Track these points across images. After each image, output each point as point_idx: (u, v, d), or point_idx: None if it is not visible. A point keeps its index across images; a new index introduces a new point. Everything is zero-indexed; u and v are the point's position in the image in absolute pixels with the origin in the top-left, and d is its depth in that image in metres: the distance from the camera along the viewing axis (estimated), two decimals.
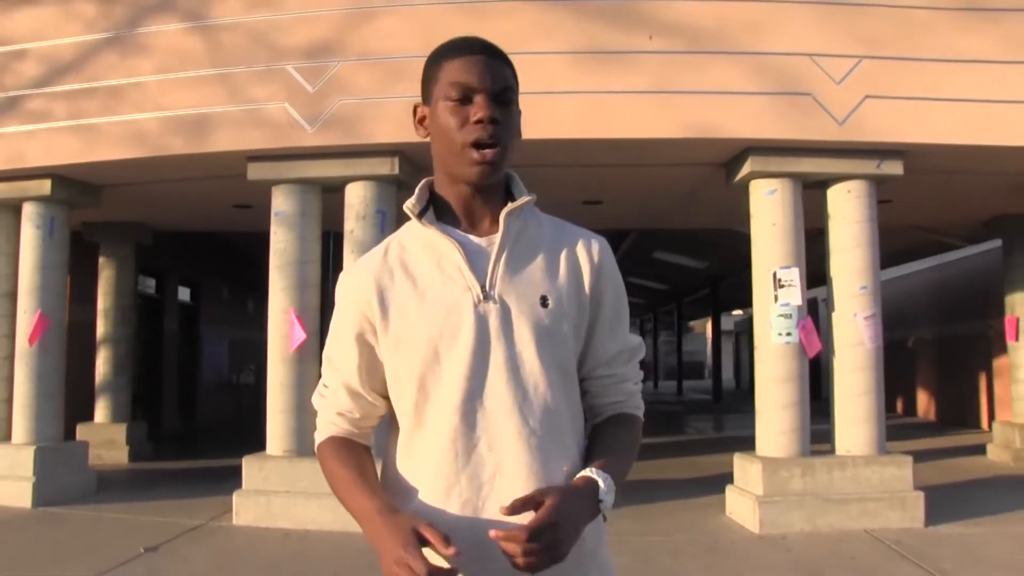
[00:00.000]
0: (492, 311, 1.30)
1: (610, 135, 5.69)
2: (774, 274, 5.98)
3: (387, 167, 6.02)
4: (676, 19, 5.74)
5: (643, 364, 1.51)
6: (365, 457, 1.37)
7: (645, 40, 5.67)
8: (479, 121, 1.28)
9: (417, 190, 1.38)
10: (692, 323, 33.64)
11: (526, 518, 1.18)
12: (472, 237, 1.35)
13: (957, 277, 13.07)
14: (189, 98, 6.08)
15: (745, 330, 24.22)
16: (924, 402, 14.66)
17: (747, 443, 6.49)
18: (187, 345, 12.94)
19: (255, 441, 6.71)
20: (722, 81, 5.67)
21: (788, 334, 5.93)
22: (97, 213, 7.82)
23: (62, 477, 6.80)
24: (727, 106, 5.70)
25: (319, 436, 1.42)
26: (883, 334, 6.13)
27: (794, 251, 6.00)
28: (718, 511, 6.32)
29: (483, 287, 1.30)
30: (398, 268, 1.34)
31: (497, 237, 1.33)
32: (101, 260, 9.33)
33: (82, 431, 8.74)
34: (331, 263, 6.79)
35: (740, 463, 6.25)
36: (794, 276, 5.94)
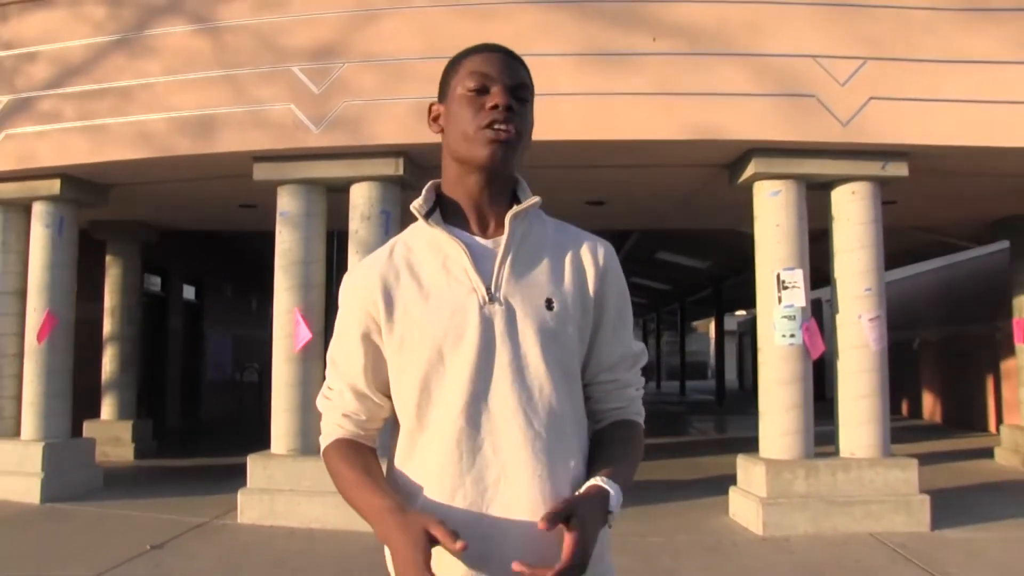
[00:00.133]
0: (498, 313, 1.29)
1: (613, 136, 5.70)
2: (778, 276, 5.97)
3: (392, 168, 6.04)
4: (679, 20, 5.74)
5: (646, 365, 1.51)
6: (371, 458, 1.37)
7: (648, 41, 5.67)
8: (495, 107, 1.30)
9: (424, 191, 1.39)
10: (695, 323, 33.53)
11: (536, 514, 1.19)
12: (478, 239, 1.35)
13: (964, 278, 13.01)
14: (196, 99, 6.12)
15: (748, 330, 24.13)
16: (930, 404, 14.59)
17: (750, 444, 6.48)
18: (191, 343, 13.00)
19: (258, 439, 6.75)
20: (725, 82, 5.67)
21: (792, 336, 5.92)
22: (104, 212, 7.87)
23: (69, 474, 6.87)
24: (730, 107, 5.70)
25: (324, 439, 1.41)
26: (888, 335, 6.12)
27: (798, 253, 5.99)
28: (721, 513, 6.31)
29: (489, 289, 1.30)
30: (404, 268, 1.34)
31: (503, 239, 1.33)
32: (108, 258, 9.40)
33: (88, 428, 8.81)
34: (335, 263, 6.81)
35: (743, 464, 6.24)
36: (798, 278, 5.93)
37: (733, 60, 5.70)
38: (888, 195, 6.35)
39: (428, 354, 1.28)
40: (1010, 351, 9.70)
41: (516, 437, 1.26)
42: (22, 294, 7.02)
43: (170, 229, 9.87)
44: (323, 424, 1.42)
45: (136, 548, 5.25)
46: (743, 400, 19.60)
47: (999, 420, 11.21)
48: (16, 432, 6.93)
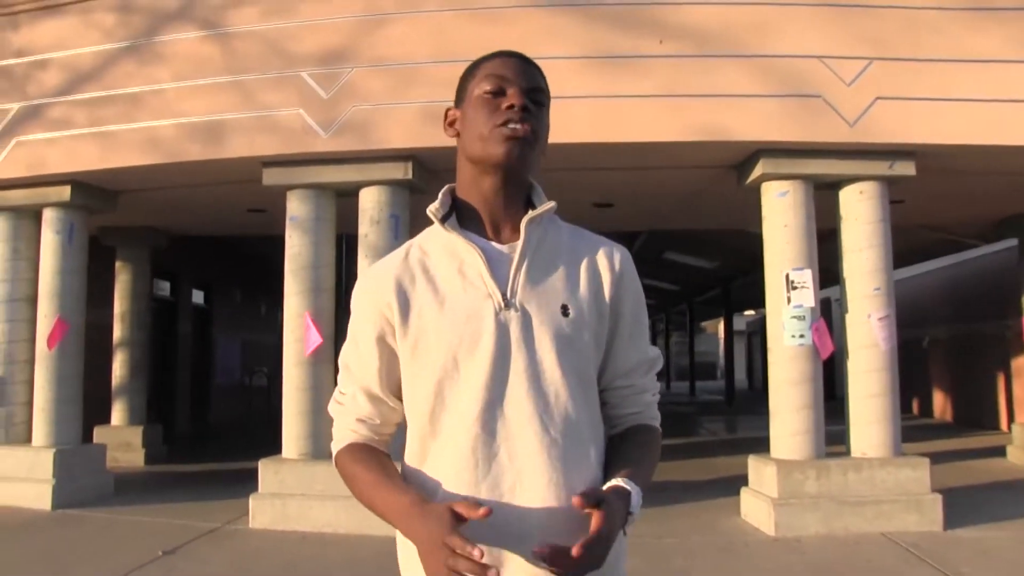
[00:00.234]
0: (513, 319, 1.29)
1: (621, 139, 5.71)
2: (787, 276, 5.97)
3: (401, 172, 6.06)
4: (685, 23, 5.75)
5: None
6: (387, 459, 1.35)
7: (654, 44, 5.68)
8: (511, 106, 1.30)
9: (440, 195, 1.38)
10: (704, 324, 33.50)
11: (551, 520, 1.21)
12: (494, 244, 1.34)
13: (972, 276, 12.97)
14: (205, 105, 6.15)
15: (758, 330, 24.09)
16: (940, 403, 14.55)
17: (761, 445, 6.48)
18: (200, 348, 13.05)
19: (268, 444, 6.76)
20: (732, 84, 5.67)
21: (801, 336, 5.92)
22: (114, 218, 7.91)
23: (80, 479, 6.88)
24: (738, 109, 5.71)
25: (337, 445, 1.40)
26: (897, 334, 6.11)
27: (806, 253, 5.99)
28: (732, 513, 6.31)
29: (504, 295, 1.30)
30: (419, 271, 1.34)
31: (518, 244, 1.33)
32: (118, 264, 9.44)
33: (99, 434, 8.83)
34: (343, 267, 6.84)
35: (755, 465, 6.24)
36: (807, 278, 5.94)
37: (739, 61, 5.71)
38: (896, 194, 6.34)
39: (443, 360, 1.28)
40: (1020, 349, 9.69)
41: (532, 444, 1.25)
42: (32, 300, 7.04)
43: (179, 234, 9.91)
44: (335, 430, 1.41)
45: (148, 554, 5.26)
46: (753, 400, 19.55)
47: (1010, 418, 11.18)
48: (27, 438, 6.95)
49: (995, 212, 8.69)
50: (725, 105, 5.71)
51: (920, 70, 5.69)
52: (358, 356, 1.36)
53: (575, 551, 1.11)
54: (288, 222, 6.33)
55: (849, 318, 6.12)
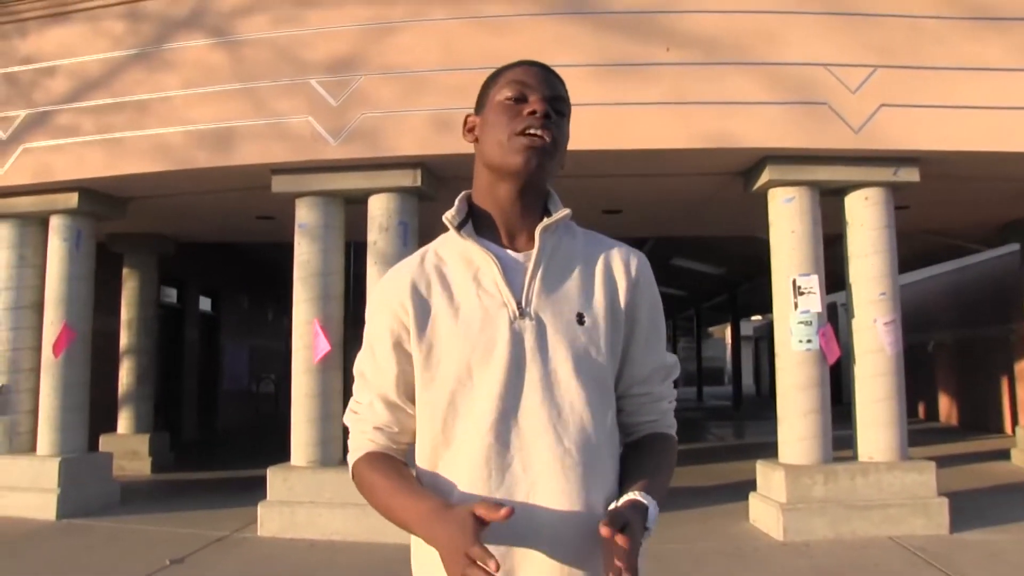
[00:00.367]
0: (528, 328, 1.27)
1: (629, 146, 5.74)
2: (794, 281, 6.01)
3: (409, 179, 6.09)
4: (692, 31, 5.79)
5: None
6: (404, 467, 1.34)
7: (662, 52, 5.72)
8: (532, 113, 1.29)
9: (457, 201, 1.37)
10: (711, 329, 33.50)
11: (565, 532, 1.20)
12: (509, 252, 1.33)
13: (976, 281, 13.01)
14: (214, 112, 6.18)
15: (765, 335, 24.08)
16: (945, 407, 14.57)
17: (769, 450, 6.50)
18: (207, 355, 13.04)
19: (276, 451, 6.77)
20: (739, 91, 5.71)
21: (809, 341, 5.95)
22: (121, 225, 7.92)
23: (86, 488, 6.83)
24: (744, 116, 5.75)
25: (354, 455, 1.37)
26: (903, 339, 6.14)
27: (813, 258, 6.03)
28: (741, 518, 6.33)
29: (519, 303, 1.29)
30: (435, 277, 1.33)
31: (533, 253, 1.31)
32: (125, 271, 9.44)
33: (105, 442, 8.80)
34: (351, 274, 6.86)
35: (763, 470, 6.26)
36: (813, 283, 5.97)
37: (746, 69, 5.75)
38: (900, 200, 6.38)
39: (457, 369, 1.27)
40: (1023, 352, 9.70)
41: (546, 454, 1.24)
42: (38, 308, 7.01)
43: (187, 241, 9.92)
44: (351, 439, 1.38)
45: (155, 563, 5.24)
46: (760, 405, 19.57)
47: (1014, 421, 11.20)
48: (32, 447, 6.89)
49: (998, 217, 8.73)
50: (732, 112, 5.75)
51: (924, 78, 5.74)
52: (374, 363, 1.35)
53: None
54: (297, 229, 6.35)
55: (855, 323, 6.15)
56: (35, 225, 7.15)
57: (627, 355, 1.36)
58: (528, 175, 1.30)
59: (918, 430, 11.42)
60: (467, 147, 5.09)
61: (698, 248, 12.50)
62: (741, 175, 6.50)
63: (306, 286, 6.29)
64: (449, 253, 1.35)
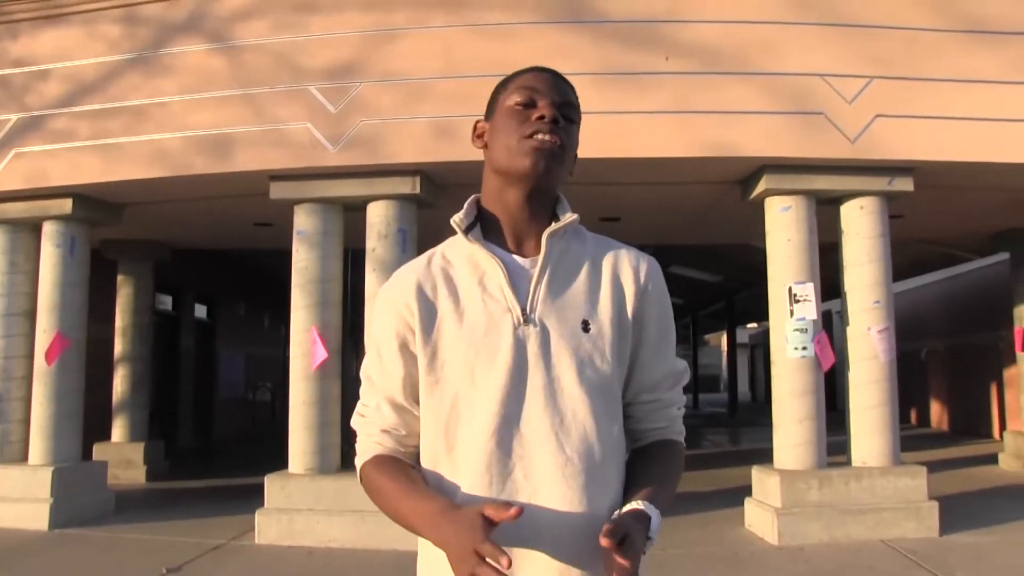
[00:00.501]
0: (532, 335, 1.26)
1: (629, 154, 5.78)
2: (790, 289, 6.06)
3: (408, 186, 6.11)
4: (692, 40, 5.85)
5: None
6: (413, 470, 1.32)
7: (662, 61, 5.78)
8: (541, 118, 1.29)
9: (465, 205, 1.36)
10: (707, 336, 33.63)
11: (566, 540, 1.19)
12: (516, 257, 1.32)
13: (967, 289, 13.14)
14: (212, 118, 6.17)
15: (760, 343, 24.19)
16: (937, 413, 14.70)
17: (764, 456, 6.55)
18: (203, 362, 12.96)
19: (271, 459, 6.74)
20: (737, 101, 5.77)
21: (804, 348, 6.00)
22: (117, 231, 7.87)
23: (80, 498, 6.72)
24: (742, 125, 5.81)
25: (361, 458, 1.36)
26: (896, 346, 6.21)
27: (809, 266, 6.09)
28: (737, 523, 6.37)
29: (524, 309, 1.28)
30: (441, 279, 1.32)
31: (539, 258, 1.30)
32: (119, 278, 9.38)
33: (99, 450, 8.72)
34: (348, 280, 6.86)
35: (758, 476, 6.31)
36: (809, 291, 6.02)
37: (744, 79, 5.81)
38: (895, 209, 6.45)
39: (460, 373, 1.26)
40: (1012, 359, 9.81)
41: (547, 462, 1.23)
42: (30, 315, 6.91)
43: (183, 248, 9.86)
44: (359, 443, 1.37)
45: (151, 572, 5.21)
46: (755, 412, 19.66)
47: (1002, 426, 11.32)
48: (23, 457, 6.75)
49: (989, 227, 8.84)
50: (730, 121, 5.81)
51: (919, 89, 5.81)
52: (380, 366, 1.34)
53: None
54: (295, 236, 6.35)
55: (850, 331, 6.22)
56: (27, 231, 7.06)
57: (635, 362, 1.35)
58: (536, 178, 1.30)
59: (910, 436, 11.53)
60: (466, 155, 5.12)
61: (695, 256, 12.57)
62: (738, 184, 6.55)
63: (304, 293, 6.29)
64: (456, 256, 1.35)
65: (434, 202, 6.40)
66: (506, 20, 5.88)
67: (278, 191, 6.32)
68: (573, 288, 1.31)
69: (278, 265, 8.92)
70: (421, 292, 1.31)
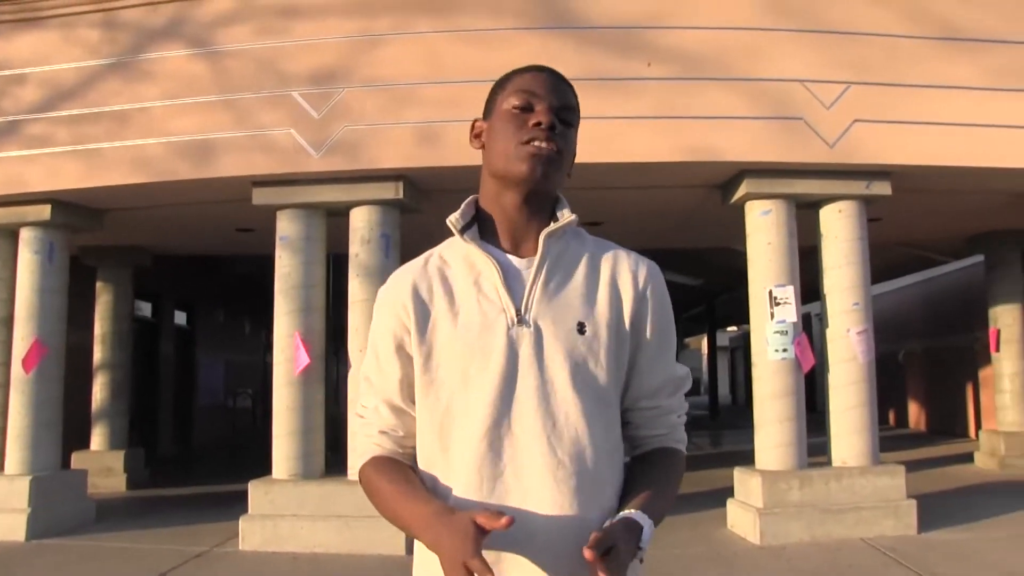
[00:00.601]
0: (525, 336, 1.25)
1: (611, 159, 5.82)
2: (770, 292, 6.14)
3: (392, 191, 6.11)
4: (674, 46, 5.90)
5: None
6: (410, 471, 1.31)
7: (644, 67, 5.83)
8: (537, 124, 1.28)
9: (463, 205, 1.35)
10: (688, 340, 33.80)
11: (556, 544, 1.18)
12: (512, 257, 1.31)
13: (944, 291, 13.34)
14: (194, 123, 6.14)
15: (740, 345, 24.35)
16: (915, 413, 14.91)
17: (745, 457, 6.62)
18: (182, 369, 12.87)
19: (253, 466, 6.73)
20: (719, 106, 5.84)
21: (784, 350, 6.08)
22: (95, 237, 7.79)
23: (59, 508, 6.62)
24: (723, 130, 5.88)
25: (360, 459, 1.36)
26: (875, 348, 6.30)
27: (788, 269, 6.17)
28: (719, 524, 6.43)
29: (518, 310, 1.26)
30: (437, 279, 1.32)
31: (536, 259, 1.30)
32: (99, 284, 9.28)
33: (77, 459, 8.60)
34: (330, 286, 6.84)
35: (740, 477, 6.38)
36: (789, 294, 6.10)
37: (726, 85, 5.88)
38: (873, 213, 6.55)
39: (454, 374, 1.26)
40: (987, 360, 9.98)
41: (539, 464, 1.22)
42: (8, 323, 6.83)
43: (163, 254, 9.77)
44: (358, 444, 1.38)
45: None
46: (736, 414, 19.81)
47: (978, 426, 11.50)
48: (0, 466, 6.65)
49: (965, 229, 9.00)
50: (711, 126, 5.87)
51: (896, 95, 5.91)
52: (378, 367, 1.34)
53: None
54: (278, 242, 6.33)
55: (829, 332, 6.31)
56: (4, 237, 6.99)
57: (634, 367, 1.33)
58: (533, 184, 1.29)
59: (889, 436, 11.71)
60: (450, 160, 5.18)
61: (676, 260, 12.64)
62: (719, 188, 6.62)
63: (287, 298, 6.28)
64: (453, 256, 1.34)
65: (418, 207, 6.41)
66: (490, 26, 5.91)
67: (261, 197, 6.30)
68: (569, 289, 1.30)
69: (258, 271, 8.87)
70: (417, 293, 1.31)
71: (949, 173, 6.18)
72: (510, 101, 1.31)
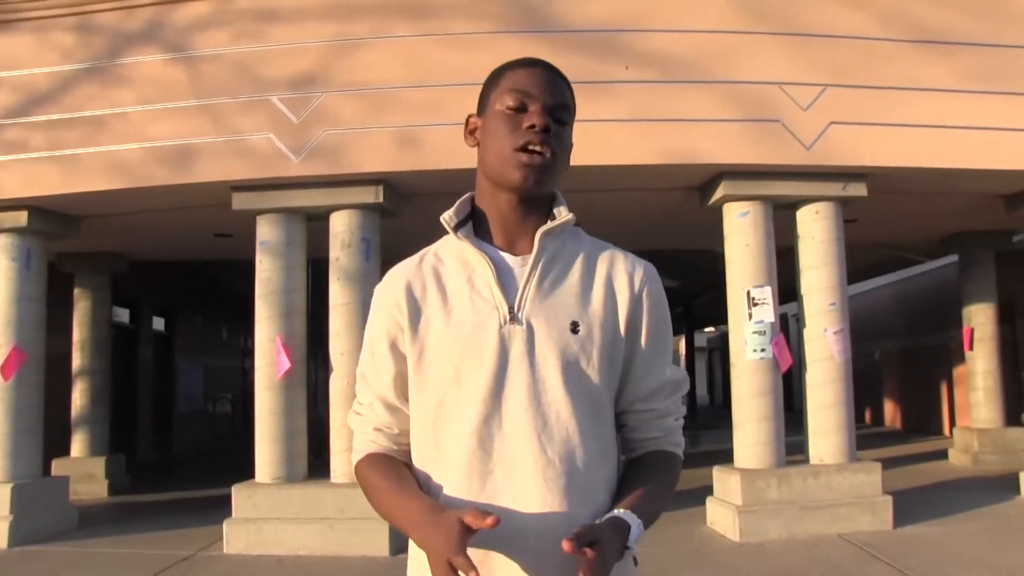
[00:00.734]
0: (517, 334, 1.25)
1: (590, 162, 5.81)
2: (748, 293, 6.21)
3: (372, 195, 6.11)
4: (652, 49, 5.95)
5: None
6: (404, 468, 1.32)
7: (623, 70, 5.87)
8: (531, 127, 1.26)
9: (457, 202, 1.35)
10: None
11: (545, 544, 1.16)
12: (507, 255, 1.30)
13: (919, 291, 13.50)
14: (173, 129, 6.11)
15: (717, 346, 24.47)
16: (890, 411, 15.10)
17: (723, 456, 6.69)
18: (161, 375, 12.79)
19: (234, 470, 6.71)
20: (697, 109, 5.90)
21: (763, 350, 6.15)
22: (73, 243, 7.73)
23: (41, 514, 6.59)
24: (701, 132, 5.93)
25: (356, 456, 1.36)
26: (851, 347, 6.40)
27: (766, 270, 6.24)
28: (699, 522, 6.49)
29: (511, 308, 1.26)
30: (430, 277, 1.31)
31: (531, 257, 1.29)
32: (76, 291, 9.19)
33: (57, 466, 8.55)
34: (310, 290, 6.83)
35: (719, 475, 6.45)
36: (767, 294, 6.18)
37: (704, 87, 5.94)
38: (849, 214, 6.65)
39: (446, 372, 1.25)
40: (962, 358, 10.14)
41: (529, 463, 1.21)
42: None
43: (141, 260, 9.70)
44: (355, 440, 1.38)
45: None
46: (714, 415, 19.94)
47: (952, 423, 11.68)
48: None
49: (940, 230, 9.14)
50: (690, 129, 5.93)
51: (872, 97, 5.99)
52: (373, 364, 1.34)
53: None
54: (259, 247, 6.32)
55: (806, 332, 6.39)
56: None
57: (629, 369, 1.32)
58: (526, 192, 1.28)
59: (865, 434, 11.79)
60: (430, 164, 5.18)
61: (655, 262, 12.64)
62: (697, 190, 6.69)
63: (268, 303, 6.27)
64: (447, 254, 1.33)
65: (398, 211, 6.43)
66: (469, 30, 5.93)
67: (240, 202, 6.28)
68: (564, 288, 1.29)
69: (236, 276, 8.82)
70: (410, 291, 1.30)
71: (924, 174, 6.28)
72: (503, 101, 1.29)
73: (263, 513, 6.00)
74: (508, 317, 1.25)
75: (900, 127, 5.97)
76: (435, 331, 1.27)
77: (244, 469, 6.34)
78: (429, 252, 1.36)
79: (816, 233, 6.34)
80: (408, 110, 5.85)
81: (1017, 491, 7.04)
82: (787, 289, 6.74)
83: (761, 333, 6.17)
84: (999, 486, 7.48)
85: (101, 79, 6.31)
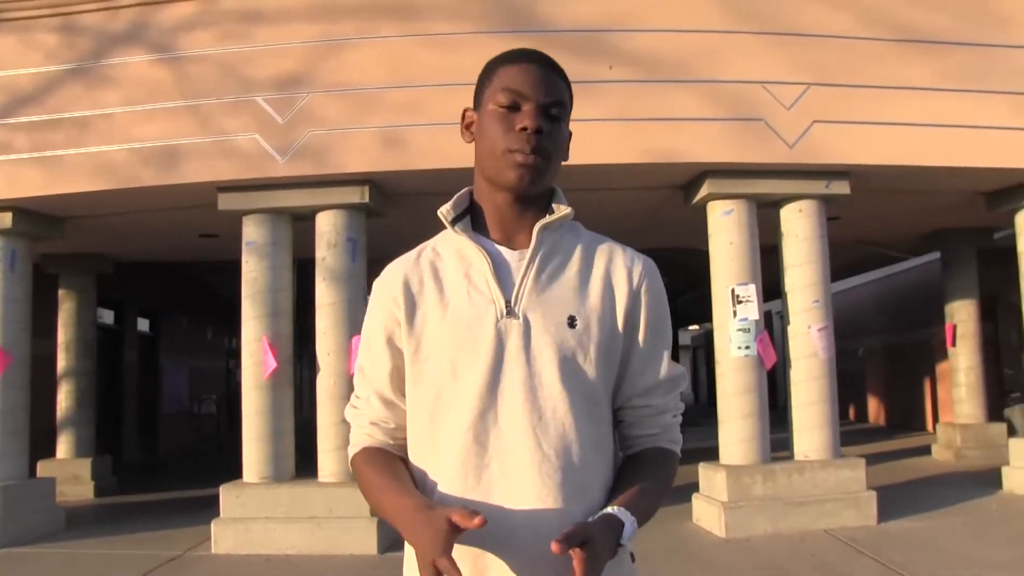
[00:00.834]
0: (513, 328, 1.24)
1: (573, 162, 5.82)
2: (732, 290, 6.26)
3: (357, 195, 6.12)
4: (636, 49, 5.99)
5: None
6: (399, 463, 1.31)
7: (606, 70, 5.90)
8: (524, 129, 1.24)
9: (455, 197, 1.34)
10: None
11: (540, 538, 1.14)
12: (504, 249, 1.30)
13: (902, 288, 13.61)
14: (158, 130, 6.10)
15: (702, 344, 24.55)
16: (874, 408, 15.23)
17: (709, 454, 6.74)
18: (146, 376, 12.74)
19: (220, 471, 6.71)
20: (681, 108, 5.94)
21: (747, 347, 6.20)
22: (57, 245, 7.70)
23: (29, 516, 6.59)
24: (686, 132, 5.98)
25: (352, 449, 1.36)
26: (835, 344, 6.46)
27: (750, 268, 6.30)
28: (685, 518, 6.54)
29: (508, 302, 1.25)
30: (428, 272, 1.31)
31: (528, 251, 1.28)
32: (61, 292, 9.15)
33: (44, 468, 8.51)
34: (296, 290, 6.84)
35: (705, 472, 6.50)
36: (751, 292, 6.23)
37: (688, 87, 5.98)
38: (832, 212, 6.70)
39: (443, 366, 1.25)
40: (944, 355, 10.25)
41: (524, 458, 1.21)
42: None
43: (127, 261, 9.66)
44: (351, 434, 1.38)
45: None
46: (699, 413, 19.96)
47: (936, 419, 11.78)
48: None
49: (922, 227, 9.24)
50: (674, 128, 5.97)
51: (854, 96, 6.05)
52: (371, 358, 1.33)
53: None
54: (244, 247, 6.32)
55: (790, 330, 6.45)
56: None
57: (627, 365, 1.31)
58: (521, 193, 1.28)
59: (849, 431, 11.93)
60: (416, 164, 5.20)
61: None
62: (681, 189, 6.73)
63: (254, 303, 6.27)
64: (445, 248, 1.33)
65: (384, 211, 6.44)
66: (453, 30, 5.95)
67: (226, 202, 6.28)
68: (561, 282, 1.28)
69: (221, 277, 8.79)
70: (407, 286, 1.30)
71: (906, 172, 6.34)
72: (497, 99, 1.27)
73: (251, 513, 6.01)
74: (505, 311, 1.24)
75: (882, 125, 6.03)
76: (432, 325, 1.27)
77: (230, 469, 6.33)
78: (427, 247, 1.36)
79: (800, 231, 6.40)
80: (392, 110, 5.87)
81: (999, 486, 7.14)
82: (771, 287, 6.80)
83: (746, 330, 6.22)
84: (981, 481, 7.58)
85: (86, 80, 6.29)
